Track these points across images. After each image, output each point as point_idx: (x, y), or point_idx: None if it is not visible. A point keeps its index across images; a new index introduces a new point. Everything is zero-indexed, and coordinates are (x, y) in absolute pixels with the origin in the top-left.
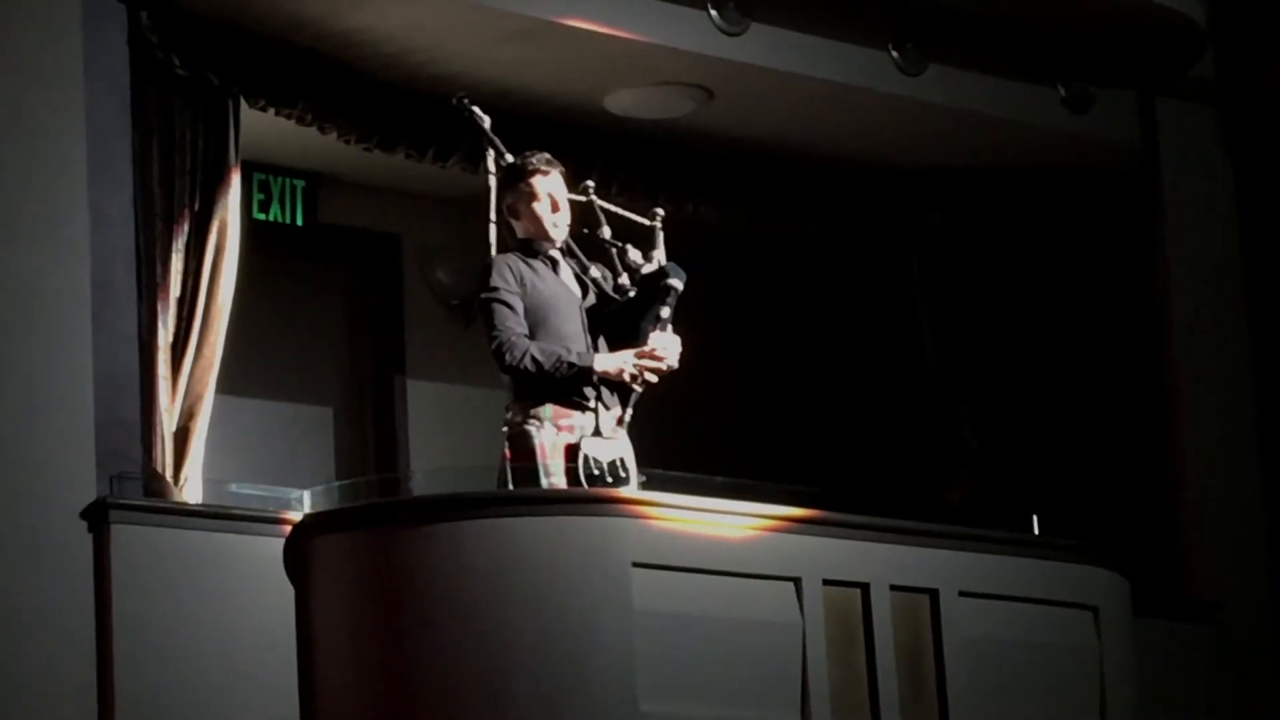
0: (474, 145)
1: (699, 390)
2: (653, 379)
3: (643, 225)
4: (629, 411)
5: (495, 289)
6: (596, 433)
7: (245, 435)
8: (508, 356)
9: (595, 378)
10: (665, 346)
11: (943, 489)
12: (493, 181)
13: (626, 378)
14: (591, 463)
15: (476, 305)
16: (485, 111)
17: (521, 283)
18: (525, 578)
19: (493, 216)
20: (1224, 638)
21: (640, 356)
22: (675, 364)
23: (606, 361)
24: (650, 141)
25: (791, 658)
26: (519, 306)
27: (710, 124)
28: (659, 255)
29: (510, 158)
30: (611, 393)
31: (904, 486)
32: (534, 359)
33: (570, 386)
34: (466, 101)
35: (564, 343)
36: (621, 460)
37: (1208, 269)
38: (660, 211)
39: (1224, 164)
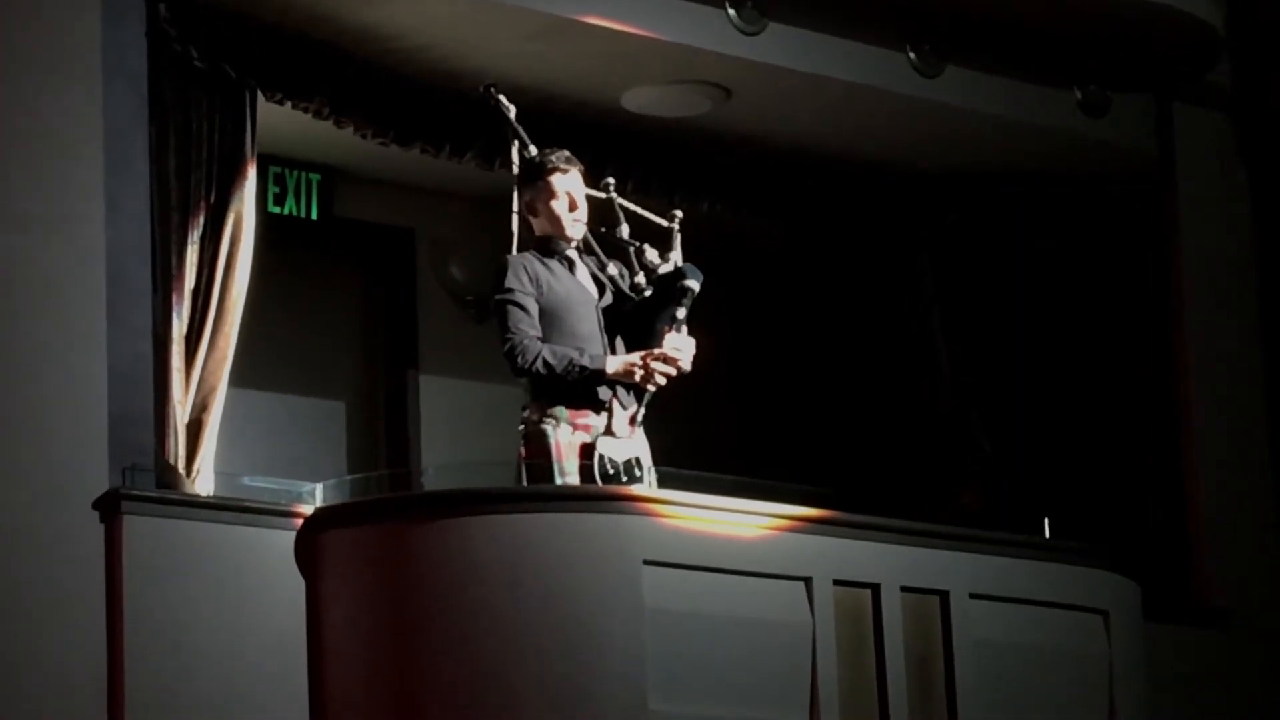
0: (490, 140)
1: (712, 390)
2: (663, 381)
3: (660, 225)
4: (642, 411)
5: (510, 290)
6: (608, 432)
7: (258, 428)
8: (520, 359)
9: (608, 379)
10: (679, 348)
11: (955, 491)
12: (516, 171)
13: (639, 379)
14: (607, 462)
15: (491, 305)
16: None
17: (537, 283)
18: (537, 574)
19: (516, 207)
20: (1234, 644)
21: (654, 358)
22: (688, 366)
23: (618, 364)
24: (666, 140)
25: (801, 658)
26: (533, 308)
27: (727, 123)
28: (676, 257)
29: (534, 149)
30: (628, 392)
31: (916, 488)
32: (546, 362)
33: (585, 387)
34: (494, 90)
35: (580, 343)
36: (637, 459)
37: (1222, 274)
38: (679, 213)
39: (1239, 170)
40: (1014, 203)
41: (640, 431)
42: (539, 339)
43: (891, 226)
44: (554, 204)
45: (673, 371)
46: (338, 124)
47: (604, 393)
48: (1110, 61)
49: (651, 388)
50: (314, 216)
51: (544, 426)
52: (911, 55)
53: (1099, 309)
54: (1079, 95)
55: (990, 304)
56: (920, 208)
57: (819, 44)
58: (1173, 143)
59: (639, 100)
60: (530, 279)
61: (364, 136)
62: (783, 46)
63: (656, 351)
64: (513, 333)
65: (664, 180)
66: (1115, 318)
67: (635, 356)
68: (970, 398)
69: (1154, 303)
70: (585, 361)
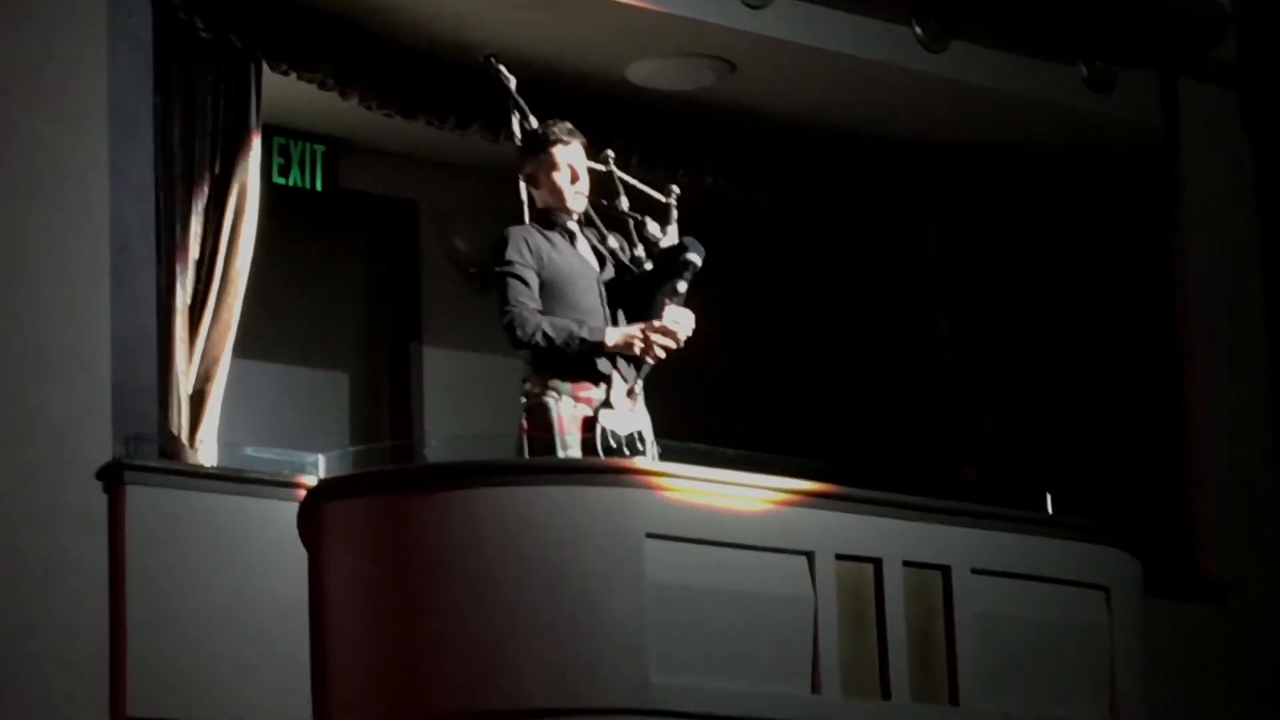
0: (495, 113)
1: (714, 363)
2: (663, 354)
3: (658, 200)
4: (639, 383)
5: (510, 262)
6: (607, 404)
7: (261, 399)
8: (519, 332)
9: (608, 351)
10: (679, 321)
11: (957, 466)
12: (519, 142)
13: (638, 351)
14: (609, 435)
15: (491, 278)
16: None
17: (538, 256)
18: (539, 547)
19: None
20: (1235, 620)
21: (653, 330)
22: (688, 336)
23: (618, 336)
24: (671, 113)
25: (803, 632)
26: (533, 280)
27: (731, 97)
28: (673, 231)
29: (534, 121)
30: (629, 364)
31: (918, 463)
32: (545, 334)
33: (585, 360)
34: (494, 60)
35: (581, 315)
36: (639, 433)
37: (1226, 251)
38: (676, 189)
39: (1245, 146)
40: (1018, 178)
41: (642, 405)
42: (539, 311)
43: (895, 201)
44: (555, 176)
45: (672, 344)
46: (342, 95)
47: (604, 365)
48: (1116, 37)
49: (651, 360)
50: (318, 188)
51: (546, 399)
52: (917, 30)
53: (1103, 284)
54: (1084, 71)
55: (994, 279)
56: (924, 182)
57: (824, 18)
58: (1178, 119)
59: (644, 73)
60: (531, 251)
61: (369, 108)
62: (788, 20)
63: (656, 324)
64: (512, 305)
65: (668, 154)
66: (1119, 293)
67: (635, 329)
68: (973, 372)
69: (1158, 278)
70: (584, 334)
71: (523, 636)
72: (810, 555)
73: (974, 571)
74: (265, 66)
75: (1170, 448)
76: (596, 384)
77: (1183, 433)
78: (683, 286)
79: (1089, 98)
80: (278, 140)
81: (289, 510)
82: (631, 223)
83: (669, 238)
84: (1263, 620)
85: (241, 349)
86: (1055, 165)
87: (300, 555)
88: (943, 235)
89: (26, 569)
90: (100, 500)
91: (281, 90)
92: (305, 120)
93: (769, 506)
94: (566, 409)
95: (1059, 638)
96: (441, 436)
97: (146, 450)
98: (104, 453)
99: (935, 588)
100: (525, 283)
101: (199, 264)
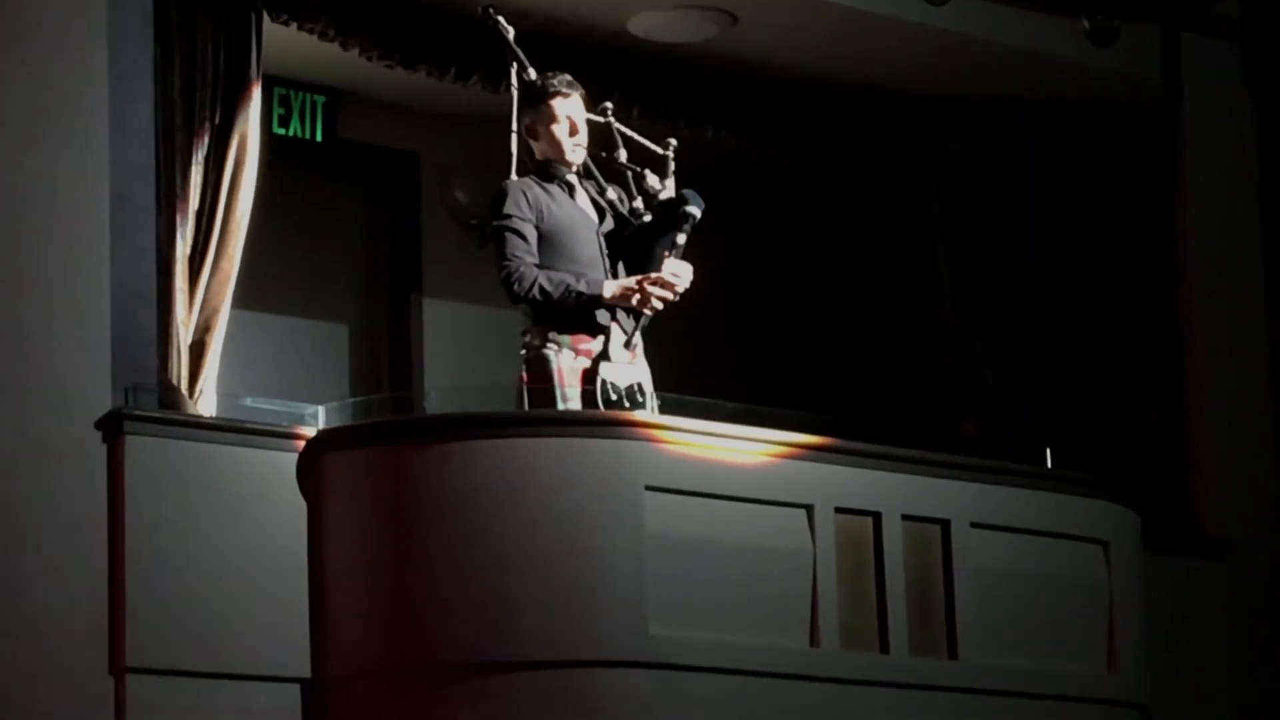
0: (495, 64)
1: (715, 316)
2: (660, 305)
3: (655, 152)
4: (637, 335)
5: (508, 216)
6: (604, 356)
7: (261, 350)
8: (516, 286)
9: (606, 303)
10: (677, 273)
11: (957, 421)
12: (515, 94)
13: (636, 303)
14: (610, 387)
15: (489, 232)
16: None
17: (537, 209)
18: (538, 498)
19: (515, 128)
20: (1234, 574)
21: (651, 283)
22: (686, 289)
23: (615, 288)
24: (672, 65)
25: (802, 584)
26: (530, 234)
27: (733, 49)
28: (671, 184)
29: (533, 72)
30: (628, 316)
31: (918, 417)
32: (542, 288)
33: (584, 312)
34: (493, 11)
35: (581, 268)
36: (639, 385)
37: (1227, 205)
38: (673, 141)
39: (1247, 101)
40: (1020, 132)
41: (642, 357)
42: (536, 265)
43: (896, 153)
44: (554, 128)
45: (670, 296)
46: (343, 46)
47: (603, 316)
48: None
49: (648, 312)
50: (318, 139)
51: (546, 351)
52: None
53: (1104, 239)
54: (1086, 24)
55: (995, 233)
56: (924, 136)
57: None
58: (1180, 74)
59: (645, 25)
60: (529, 205)
61: (369, 59)
62: None
63: (654, 276)
64: (509, 260)
65: (669, 106)
66: (1120, 248)
67: (632, 281)
68: (974, 327)
69: (1159, 234)
70: (581, 287)
71: (522, 588)
72: (809, 508)
73: (973, 526)
74: (266, 17)
75: (1170, 403)
76: (595, 336)
77: (1182, 388)
78: (681, 239)
79: (1091, 51)
80: (278, 91)
81: (288, 461)
82: (630, 175)
83: (668, 190)
84: (1261, 575)
85: (241, 299)
86: (1057, 119)
87: (299, 506)
88: (943, 189)
89: (25, 518)
90: (99, 450)
91: (282, 41)
92: (306, 71)
93: (768, 459)
94: (566, 361)
95: (1058, 592)
96: (441, 388)
97: (146, 400)
98: (103, 403)
99: (934, 542)
100: (523, 237)
101: (199, 214)
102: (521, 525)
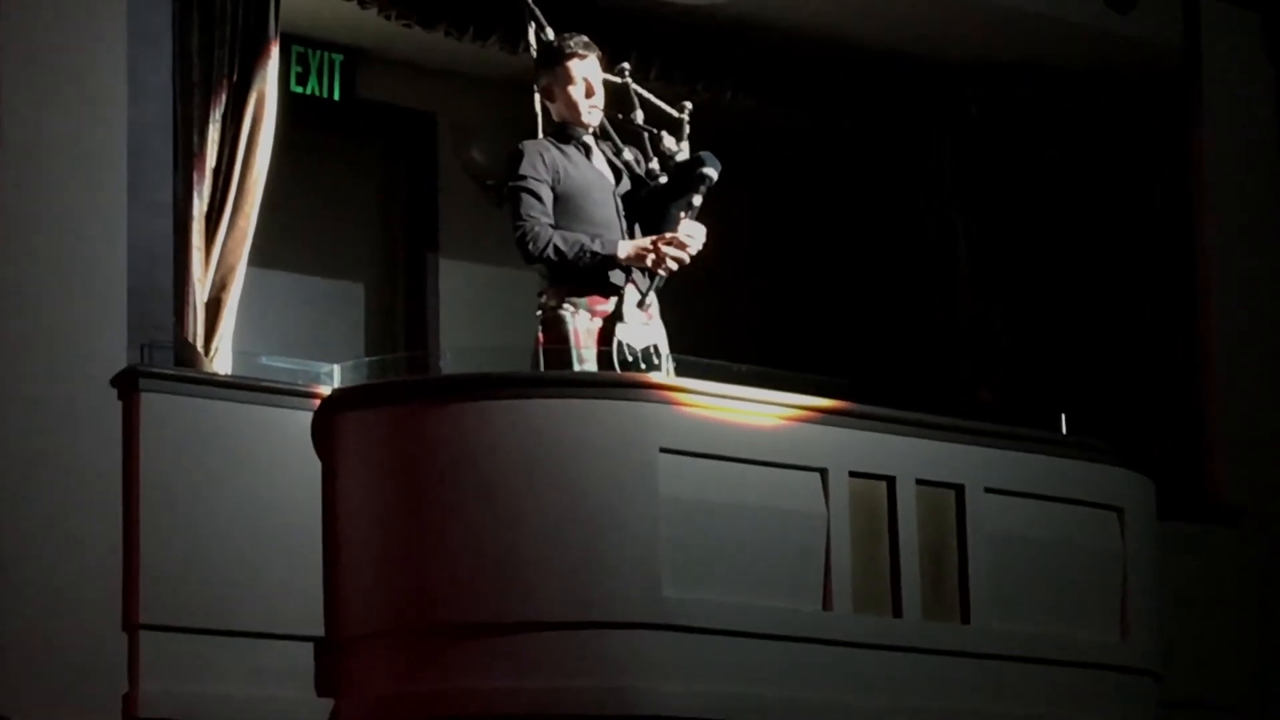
0: (514, 24)
1: (732, 279)
2: (675, 266)
3: (670, 115)
4: (651, 296)
5: (523, 177)
6: (618, 317)
7: (277, 308)
8: (530, 246)
9: (620, 263)
10: (691, 234)
11: (972, 386)
12: (534, 53)
13: (650, 264)
14: (626, 349)
15: (505, 192)
16: None
17: (554, 170)
18: (552, 459)
19: (537, 88)
20: (1248, 542)
21: (666, 244)
22: (699, 250)
23: (630, 248)
24: (691, 27)
25: (815, 548)
26: (546, 195)
27: (751, 12)
28: (686, 146)
29: (551, 33)
30: (644, 276)
31: (933, 382)
32: (557, 248)
33: (599, 273)
34: None
35: (597, 229)
36: (655, 347)
37: (1245, 172)
38: (689, 104)
39: (1265, 66)
40: (1037, 96)
41: (658, 319)
42: (551, 225)
43: (913, 117)
44: (571, 89)
45: (685, 257)
46: (361, 5)
47: (617, 277)
48: None
49: (663, 273)
50: (336, 98)
51: (562, 312)
52: None
53: (1120, 206)
54: None
55: (1011, 198)
56: (942, 99)
57: None
58: (1199, 38)
59: None
60: (545, 166)
61: (388, 18)
62: None
63: (669, 236)
64: (524, 220)
65: (686, 68)
66: (1136, 215)
67: (647, 241)
68: (989, 293)
69: (1175, 200)
70: (596, 247)
71: (536, 549)
72: (824, 472)
73: (987, 491)
74: None
75: (1184, 370)
76: (609, 298)
77: (1197, 355)
78: (697, 200)
79: (1110, 16)
80: (296, 49)
81: (303, 420)
82: (647, 136)
83: (684, 152)
84: (1275, 542)
85: (257, 258)
86: (1075, 84)
87: (314, 465)
88: (959, 154)
89: (41, 474)
90: (115, 407)
91: None
92: (324, 29)
93: (783, 422)
94: (582, 322)
95: (1071, 558)
96: (457, 348)
97: (161, 357)
98: (119, 360)
99: (948, 506)
100: (538, 197)
101: (216, 172)
102: (536, 486)
